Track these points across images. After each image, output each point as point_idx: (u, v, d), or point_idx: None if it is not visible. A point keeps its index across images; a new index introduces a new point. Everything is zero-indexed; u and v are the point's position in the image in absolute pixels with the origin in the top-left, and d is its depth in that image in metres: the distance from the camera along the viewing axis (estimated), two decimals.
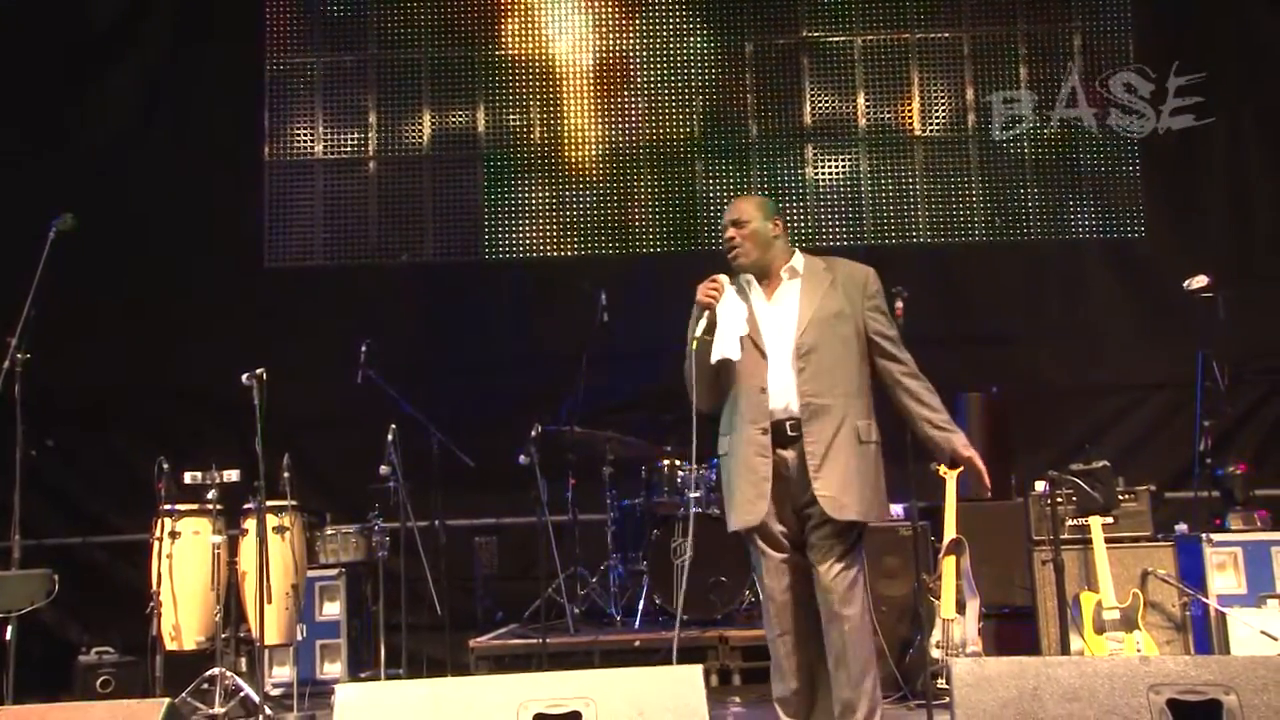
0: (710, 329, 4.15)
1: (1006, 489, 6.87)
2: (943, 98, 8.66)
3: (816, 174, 8.60)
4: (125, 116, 8.48)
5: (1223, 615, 5.94)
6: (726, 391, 4.22)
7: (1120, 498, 6.03)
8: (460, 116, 8.71)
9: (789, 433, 4.09)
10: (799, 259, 4.29)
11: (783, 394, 4.12)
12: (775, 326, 4.19)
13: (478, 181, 8.63)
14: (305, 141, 8.68)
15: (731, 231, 4.28)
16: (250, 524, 5.85)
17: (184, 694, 5.62)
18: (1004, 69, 8.61)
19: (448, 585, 6.67)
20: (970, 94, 8.60)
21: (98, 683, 6.29)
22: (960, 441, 4.18)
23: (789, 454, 4.10)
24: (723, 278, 4.22)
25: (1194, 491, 6.78)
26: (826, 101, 8.67)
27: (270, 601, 5.68)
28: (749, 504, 4.10)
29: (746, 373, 4.15)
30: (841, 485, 4.04)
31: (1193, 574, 6.06)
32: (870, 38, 8.68)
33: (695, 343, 4.16)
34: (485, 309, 8.38)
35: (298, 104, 8.68)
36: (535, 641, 6.35)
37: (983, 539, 6.00)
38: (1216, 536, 6.20)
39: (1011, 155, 8.56)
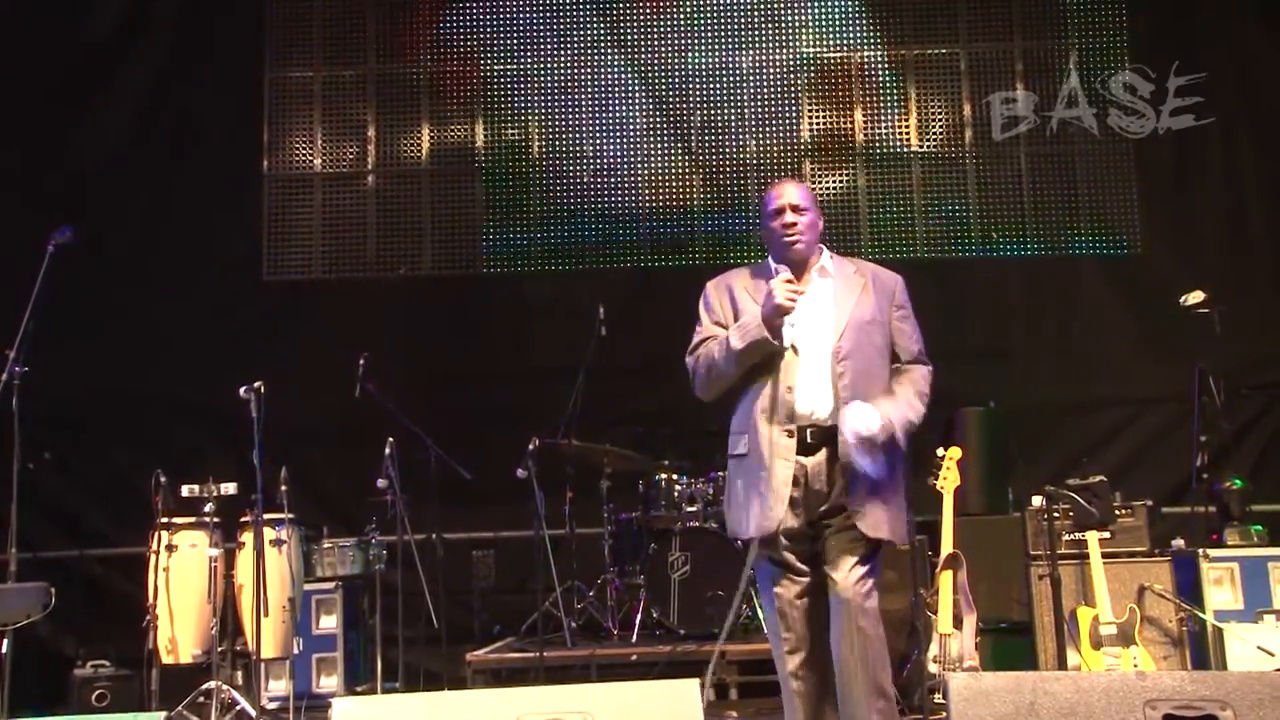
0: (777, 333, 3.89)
1: (1004, 503, 6.89)
2: (940, 113, 8.69)
3: (814, 189, 8.61)
4: (125, 129, 8.48)
5: (1219, 630, 5.94)
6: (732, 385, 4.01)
7: (1117, 513, 6.04)
8: (459, 130, 8.73)
9: (809, 440, 3.88)
10: (827, 257, 4.12)
11: (812, 397, 3.90)
12: (809, 325, 3.96)
13: (476, 195, 8.65)
14: (304, 155, 8.70)
15: (793, 217, 4.04)
16: (247, 537, 5.85)
17: (180, 707, 5.62)
18: (1000, 84, 8.63)
19: (445, 599, 6.67)
20: (967, 110, 8.63)
21: (93, 696, 6.29)
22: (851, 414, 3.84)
23: (810, 462, 3.88)
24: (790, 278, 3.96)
25: (1191, 507, 6.78)
26: (824, 117, 8.70)
27: (267, 615, 5.67)
28: (768, 509, 3.86)
29: (774, 369, 3.91)
30: (877, 501, 3.87)
31: (1190, 589, 6.06)
32: (867, 54, 8.72)
33: (778, 343, 3.86)
34: (483, 322, 8.39)
35: (297, 118, 8.71)
36: (532, 655, 6.34)
37: (980, 554, 6.00)
38: (1213, 552, 6.20)
39: (1009, 170, 8.58)
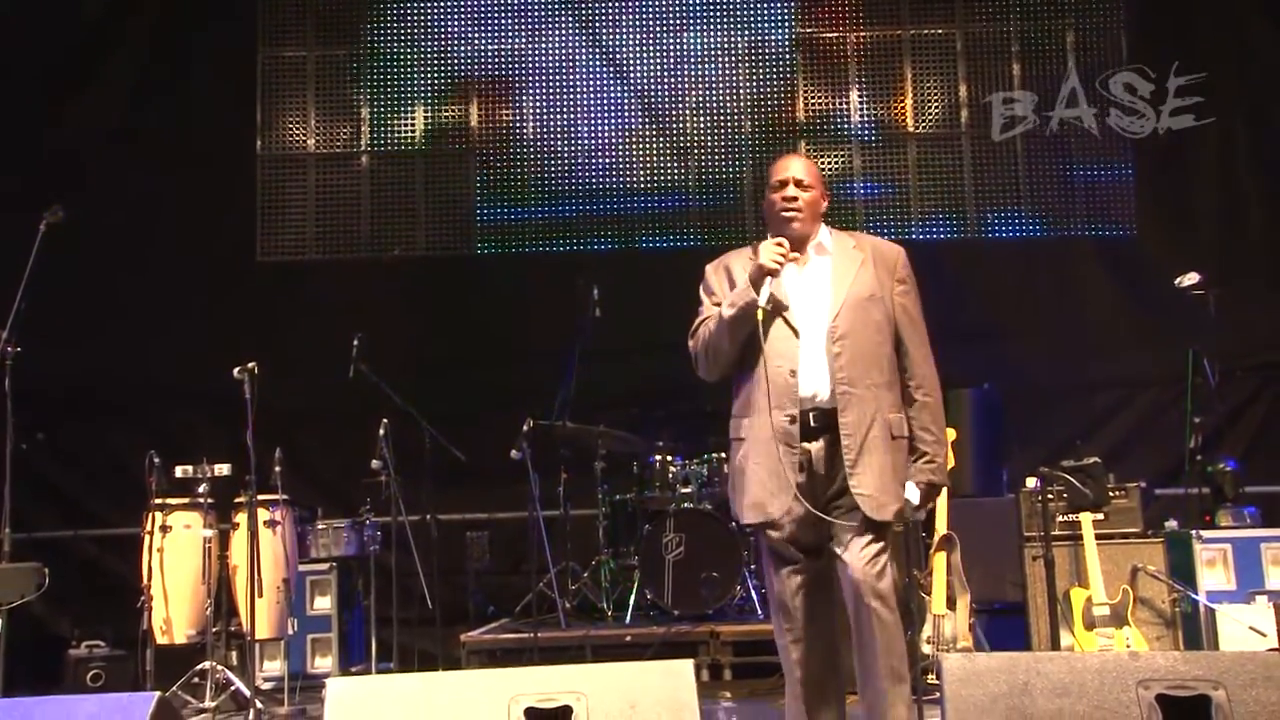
0: (770, 298, 3.80)
1: (998, 485, 6.90)
2: (936, 94, 8.67)
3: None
4: (117, 110, 8.44)
5: (1212, 611, 5.95)
6: (735, 364, 3.93)
7: (1111, 494, 6.04)
8: (452, 111, 8.70)
9: (812, 424, 3.79)
10: (825, 233, 4.00)
11: (814, 379, 3.80)
12: (807, 305, 3.87)
13: (470, 176, 8.63)
14: (298, 135, 8.66)
15: (795, 191, 3.91)
16: (241, 518, 5.85)
17: (175, 688, 5.62)
18: (997, 66, 8.62)
19: (439, 580, 6.66)
20: (963, 91, 8.61)
21: (88, 676, 6.29)
22: (918, 478, 3.87)
23: (814, 447, 3.79)
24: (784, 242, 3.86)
25: (1184, 488, 6.80)
26: (820, 97, 8.67)
27: (261, 595, 5.67)
28: (770, 496, 3.79)
29: (774, 351, 3.80)
30: (879, 484, 3.76)
31: (1183, 570, 6.08)
32: (863, 34, 8.69)
33: (760, 312, 3.76)
34: (477, 303, 8.38)
35: (290, 98, 8.67)
36: (527, 636, 6.36)
37: (974, 535, 6.01)
38: (1206, 533, 6.21)
39: (1005, 152, 8.56)
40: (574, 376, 7.01)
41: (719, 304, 3.99)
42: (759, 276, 3.81)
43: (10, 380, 5.24)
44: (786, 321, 3.85)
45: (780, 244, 3.84)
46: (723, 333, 3.89)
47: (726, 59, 8.71)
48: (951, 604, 5.66)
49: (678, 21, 8.72)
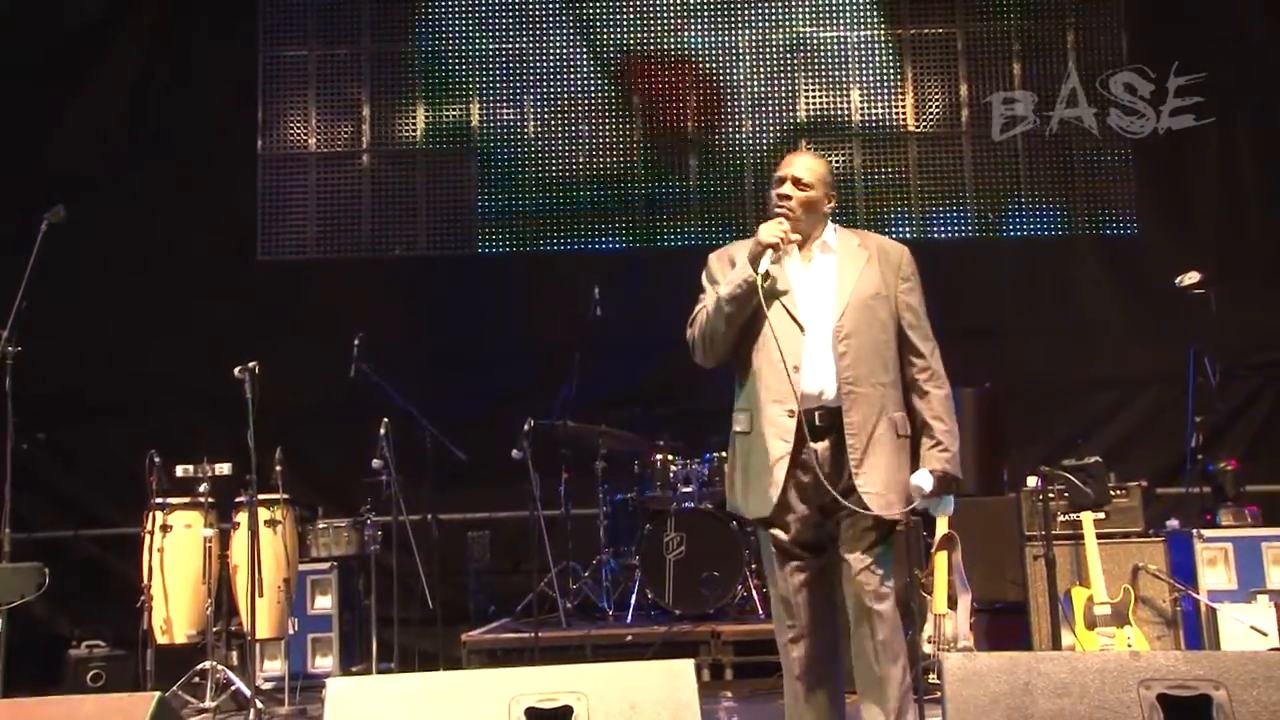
0: (768, 275, 3.76)
1: (999, 484, 6.89)
2: (936, 93, 8.66)
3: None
4: (118, 108, 8.45)
5: (1213, 610, 5.95)
6: (732, 350, 3.91)
7: (1112, 493, 6.04)
8: (454, 110, 8.70)
9: (818, 423, 3.75)
10: (831, 231, 3.95)
11: (818, 377, 3.77)
12: (812, 302, 3.83)
13: (471, 175, 8.63)
14: (299, 135, 8.66)
15: (790, 189, 3.87)
16: (242, 517, 5.85)
17: (175, 687, 5.63)
18: (997, 65, 8.62)
19: (440, 579, 6.67)
20: (964, 90, 8.61)
21: (88, 676, 6.29)
22: (932, 466, 3.79)
23: (820, 446, 3.74)
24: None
25: (1185, 487, 6.80)
26: (820, 97, 8.66)
27: (262, 595, 5.67)
28: (766, 490, 3.76)
29: (777, 346, 3.75)
30: (886, 482, 3.73)
31: (1184, 569, 6.08)
32: (864, 33, 8.69)
33: (763, 279, 3.73)
34: (478, 303, 8.38)
35: (291, 97, 8.67)
36: (527, 636, 6.36)
37: (975, 534, 6.00)
38: (1207, 532, 6.22)
39: (1005, 151, 8.56)
40: (575, 375, 7.01)
41: None
42: (758, 253, 3.79)
43: (10, 380, 5.23)
44: (792, 317, 3.82)
45: (781, 221, 3.82)
46: (720, 313, 3.85)
47: (727, 58, 8.70)
48: (953, 603, 5.66)
49: (679, 20, 8.72)
